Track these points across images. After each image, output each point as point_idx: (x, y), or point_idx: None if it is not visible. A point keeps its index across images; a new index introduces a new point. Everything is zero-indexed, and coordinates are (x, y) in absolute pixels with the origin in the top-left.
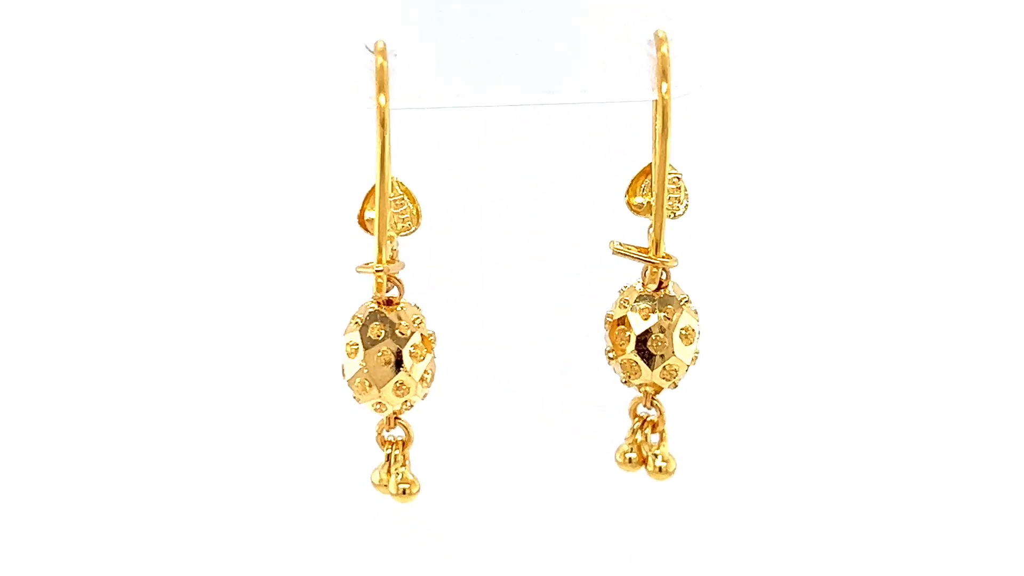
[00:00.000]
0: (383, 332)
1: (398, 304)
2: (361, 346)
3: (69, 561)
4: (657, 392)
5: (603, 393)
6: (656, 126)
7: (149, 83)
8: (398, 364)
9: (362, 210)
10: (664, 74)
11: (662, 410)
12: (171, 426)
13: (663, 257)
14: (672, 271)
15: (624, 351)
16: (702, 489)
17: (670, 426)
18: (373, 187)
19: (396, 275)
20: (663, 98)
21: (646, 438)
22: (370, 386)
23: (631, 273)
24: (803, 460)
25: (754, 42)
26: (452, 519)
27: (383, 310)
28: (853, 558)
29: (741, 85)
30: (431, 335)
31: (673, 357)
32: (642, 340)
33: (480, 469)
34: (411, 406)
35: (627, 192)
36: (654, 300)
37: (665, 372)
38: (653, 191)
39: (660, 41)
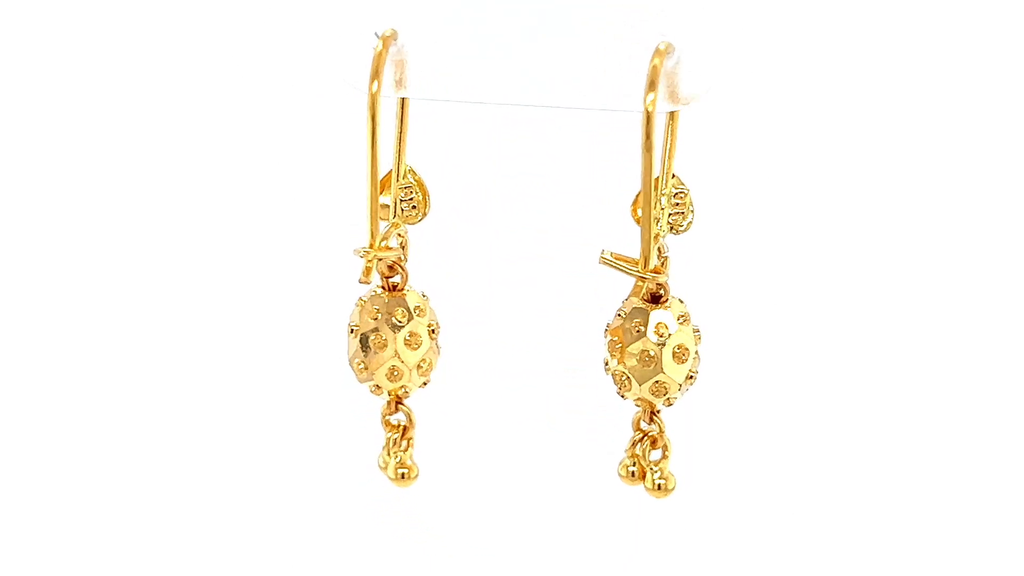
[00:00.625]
0: (379, 316)
1: (401, 291)
2: (360, 329)
3: (68, 558)
4: (653, 408)
5: (608, 393)
6: (642, 138)
7: (161, 77)
8: (394, 350)
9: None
10: (652, 85)
11: (662, 427)
12: (172, 420)
13: (652, 272)
14: (680, 283)
15: (617, 363)
16: (704, 492)
17: (674, 443)
18: (388, 173)
19: (401, 263)
20: (647, 110)
21: (644, 452)
22: (365, 368)
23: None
24: (807, 472)
25: (763, 48)
26: (453, 518)
27: (384, 295)
28: (854, 568)
29: (750, 91)
30: (433, 325)
31: (662, 374)
32: (631, 355)
33: (483, 468)
34: (408, 393)
35: (632, 204)
36: (647, 315)
37: (655, 388)
38: (640, 204)
39: (657, 53)
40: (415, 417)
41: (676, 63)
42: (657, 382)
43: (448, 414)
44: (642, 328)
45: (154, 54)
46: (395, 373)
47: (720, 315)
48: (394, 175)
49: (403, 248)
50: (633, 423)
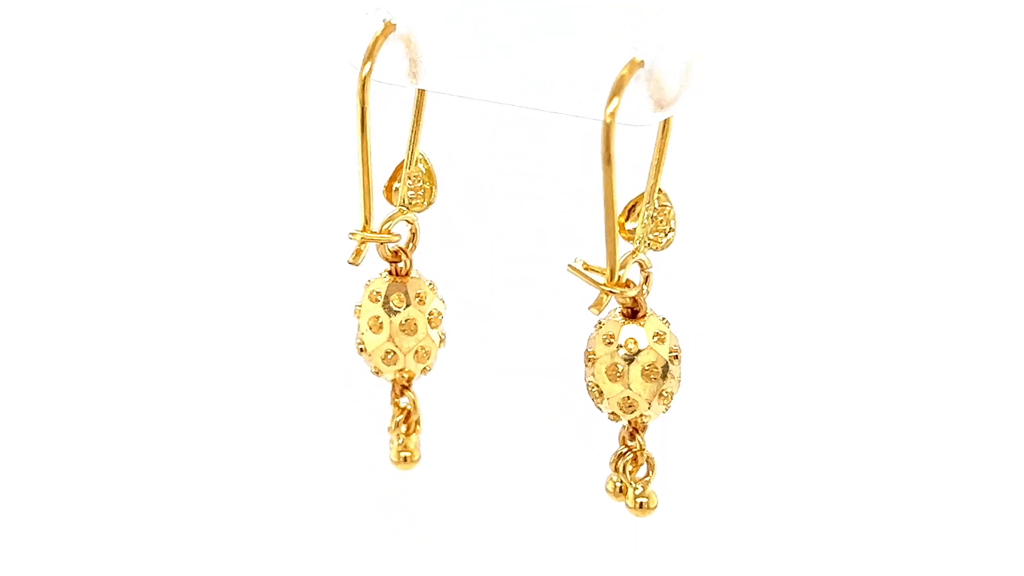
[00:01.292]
0: (378, 299)
1: (405, 277)
2: (362, 309)
3: (68, 556)
4: (634, 424)
5: None
6: (601, 149)
7: (174, 66)
8: (388, 334)
9: (389, 182)
10: (616, 91)
11: (642, 444)
12: (171, 419)
13: (620, 286)
14: (669, 298)
15: (590, 374)
16: (702, 495)
17: (659, 461)
18: (401, 162)
19: (407, 250)
20: (607, 121)
21: (625, 468)
22: (363, 350)
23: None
24: (800, 483)
25: (762, 52)
26: (452, 518)
27: (388, 280)
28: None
29: (749, 94)
30: (435, 314)
31: (630, 390)
32: (601, 367)
33: (481, 467)
34: (408, 377)
35: (620, 216)
36: (620, 328)
37: (624, 403)
38: (623, 215)
39: (629, 65)
40: (419, 404)
41: (671, 63)
42: (626, 398)
43: (447, 413)
44: (612, 341)
45: (166, 43)
46: (390, 356)
47: (708, 328)
48: (405, 164)
49: (414, 236)
50: (620, 438)
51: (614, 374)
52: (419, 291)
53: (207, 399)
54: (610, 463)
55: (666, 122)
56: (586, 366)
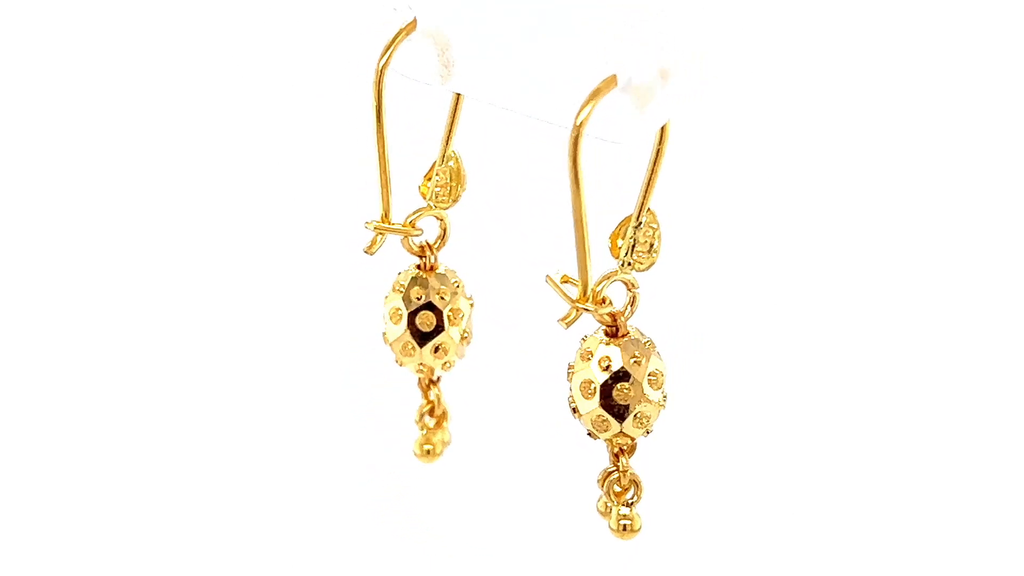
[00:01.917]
0: (401, 291)
1: (430, 272)
2: (387, 300)
3: (67, 556)
4: (619, 446)
5: None
6: (567, 163)
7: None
8: (408, 325)
9: (424, 178)
10: (586, 102)
11: (624, 467)
12: (170, 418)
13: (595, 303)
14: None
15: (570, 387)
16: (703, 497)
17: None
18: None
19: (431, 246)
20: (575, 130)
21: (610, 489)
22: (387, 338)
23: (641, 279)
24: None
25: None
26: (452, 518)
27: (413, 273)
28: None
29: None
30: (454, 311)
31: (600, 409)
32: (576, 382)
33: (481, 468)
34: (427, 371)
35: (611, 235)
36: (597, 345)
37: (597, 421)
38: (574, 232)
39: (605, 82)
40: (443, 401)
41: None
42: (599, 416)
43: (449, 412)
44: (590, 358)
45: (209, 41)
46: (408, 348)
47: (700, 339)
48: (437, 163)
49: (444, 233)
50: (610, 457)
51: (587, 391)
52: (441, 287)
53: (207, 398)
54: (598, 481)
55: (660, 144)
56: (568, 379)
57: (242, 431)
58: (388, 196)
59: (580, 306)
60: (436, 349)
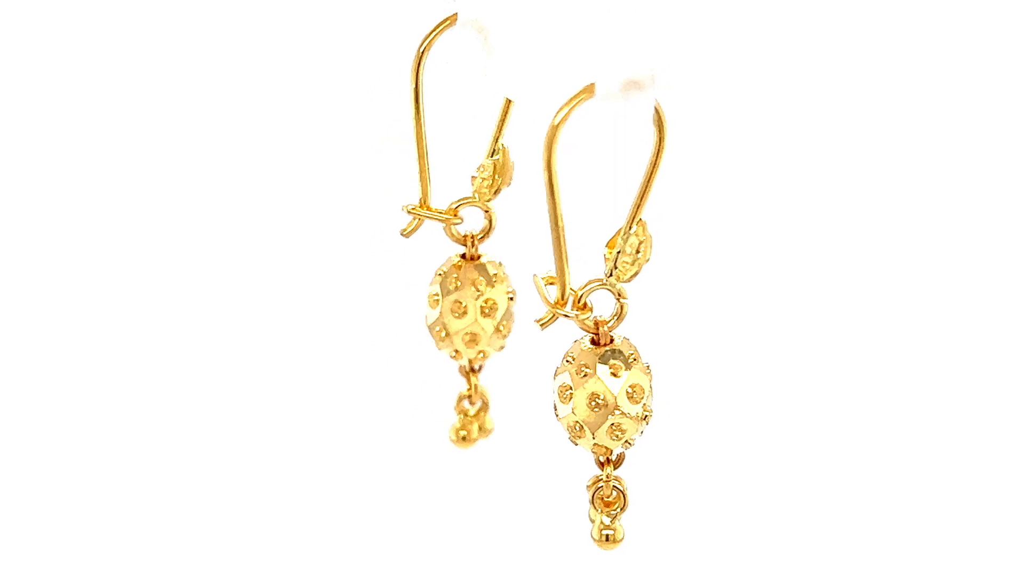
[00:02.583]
0: (440, 277)
1: (470, 262)
2: (431, 284)
3: (67, 555)
4: (604, 453)
5: None
6: (543, 169)
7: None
8: (442, 311)
9: (477, 170)
10: (563, 106)
11: (607, 477)
12: (171, 418)
13: (576, 308)
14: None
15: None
16: (703, 498)
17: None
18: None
19: (473, 237)
20: (551, 131)
21: (595, 499)
22: (427, 321)
23: (638, 280)
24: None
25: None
26: (453, 518)
27: (455, 261)
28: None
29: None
30: (488, 303)
31: (574, 415)
32: (555, 384)
33: (482, 467)
34: (469, 359)
35: (608, 243)
36: (578, 350)
37: (573, 428)
38: (550, 234)
39: (586, 90)
40: (481, 390)
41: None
42: (574, 422)
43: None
44: (572, 362)
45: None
46: (442, 333)
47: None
48: (486, 154)
49: (490, 224)
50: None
51: (564, 395)
52: (478, 278)
53: (212, 398)
54: (587, 488)
55: (656, 157)
56: (553, 381)
57: (242, 431)
58: (427, 182)
59: (557, 311)
60: (468, 338)
